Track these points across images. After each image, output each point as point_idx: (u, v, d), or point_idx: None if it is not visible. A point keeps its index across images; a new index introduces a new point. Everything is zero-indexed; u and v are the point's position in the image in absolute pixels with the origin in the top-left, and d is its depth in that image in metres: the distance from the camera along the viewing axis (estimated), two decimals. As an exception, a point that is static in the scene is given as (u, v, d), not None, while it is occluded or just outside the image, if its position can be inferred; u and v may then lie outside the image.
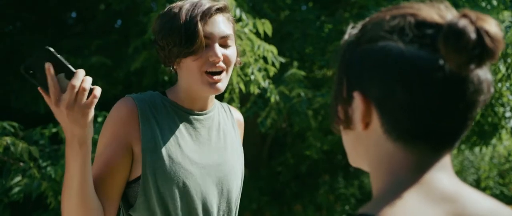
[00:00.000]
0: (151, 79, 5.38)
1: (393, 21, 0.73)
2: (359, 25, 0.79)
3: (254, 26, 3.80)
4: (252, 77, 3.64)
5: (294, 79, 4.32)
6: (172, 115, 1.46)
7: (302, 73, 4.40)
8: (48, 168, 3.57)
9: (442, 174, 0.72)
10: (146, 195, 1.39)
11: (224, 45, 1.43)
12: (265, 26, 3.79)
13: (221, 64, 1.41)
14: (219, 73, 1.42)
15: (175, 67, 1.46)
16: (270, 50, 3.78)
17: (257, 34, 3.91)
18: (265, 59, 3.96)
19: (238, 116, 1.68)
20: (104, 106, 5.42)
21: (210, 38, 1.40)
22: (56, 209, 3.97)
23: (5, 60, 6.44)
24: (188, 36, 1.37)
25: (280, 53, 4.84)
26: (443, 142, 0.73)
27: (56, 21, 6.87)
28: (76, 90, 1.17)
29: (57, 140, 3.96)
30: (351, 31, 0.80)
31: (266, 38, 4.16)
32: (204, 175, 1.45)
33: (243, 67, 3.66)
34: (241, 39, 3.58)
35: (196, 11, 1.38)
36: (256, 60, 3.75)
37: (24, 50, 6.25)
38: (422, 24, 0.71)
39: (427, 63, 0.69)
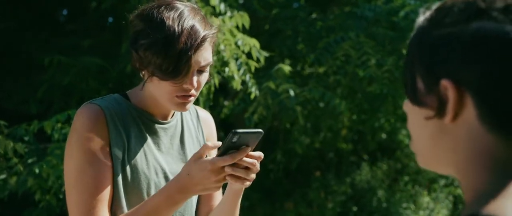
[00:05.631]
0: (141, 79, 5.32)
1: None
2: (435, 8, 0.70)
3: (231, 19, 3.68)
4: (227, 69, 3.57)
5: (281, 75, 4.26)
6: (138, 122, 1.43)
7: (288, 68, 4.34)
8: (34, 166, 3.56)
9: None
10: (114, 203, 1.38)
11: (202, 71, 1.37)
12: (243, 19, 3.68)
13: (193, 91, 1.36)
14: (189, 96, 1.37)
15: (145, 74, 1.38)
16: (253, 44, 3.68)
17: (238, 28, 3.83)
18: (249, 54, 3.90)
19: (203, 114, 1.63)
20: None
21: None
22: (45, 207, 3.95)
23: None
24: (179, 71, 1.30)
25: (271, 50, 4.81)
26: None
27: (49, 20, 6.84)
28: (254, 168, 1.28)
29: (44, 139, 3.94)
30: (425, 15, 0.71)
31: (255, 34, 4.09)
32: None
33: (222, 63, 3.58)
34: (223, 33, 3.51)
35: (192, 42, 1.30)
36: (236, 54, 3.67)
37: (17, 49, 6.22)
38: None
39: None
